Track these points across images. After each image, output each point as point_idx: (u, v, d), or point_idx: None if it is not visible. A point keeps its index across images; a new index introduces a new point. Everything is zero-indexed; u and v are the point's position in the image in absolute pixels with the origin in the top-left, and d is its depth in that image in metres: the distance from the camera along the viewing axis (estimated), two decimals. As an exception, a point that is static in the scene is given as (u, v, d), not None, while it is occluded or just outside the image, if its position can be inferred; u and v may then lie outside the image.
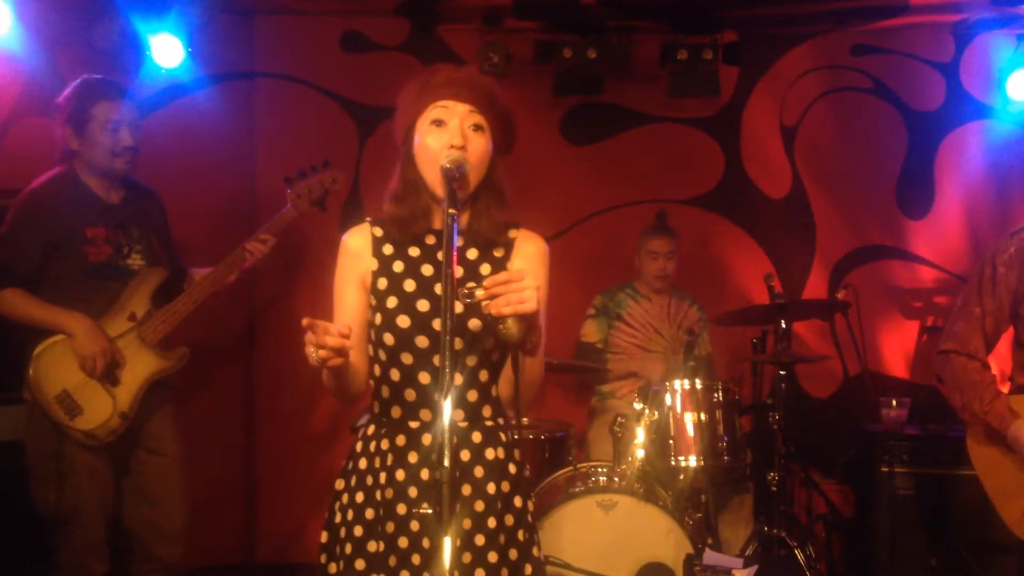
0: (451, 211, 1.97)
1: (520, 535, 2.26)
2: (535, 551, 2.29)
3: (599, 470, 4.04)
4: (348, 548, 2.22)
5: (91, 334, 3.49)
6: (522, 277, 1.90)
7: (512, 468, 2.28)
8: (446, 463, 1.82)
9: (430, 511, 1.84)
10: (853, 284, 5.05)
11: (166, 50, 4.72)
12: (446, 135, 2.18)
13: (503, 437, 2.29)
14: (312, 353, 1.97)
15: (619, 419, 4.06)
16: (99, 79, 3.71)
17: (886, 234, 5.56)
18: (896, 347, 5.50)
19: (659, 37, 5.30)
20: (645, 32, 5.35)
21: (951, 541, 4.29)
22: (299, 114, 5.32)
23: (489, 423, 2.28)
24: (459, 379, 2.21)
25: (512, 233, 2.31)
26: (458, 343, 2.17)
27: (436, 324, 2.19)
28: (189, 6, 4.73)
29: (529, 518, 2.30)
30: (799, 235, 5.59)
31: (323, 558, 2.29)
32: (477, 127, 2.19)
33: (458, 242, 2.23)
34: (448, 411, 1.84)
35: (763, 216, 5.60)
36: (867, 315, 5.08)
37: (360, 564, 2.19)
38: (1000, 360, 3.75)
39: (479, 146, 2.19)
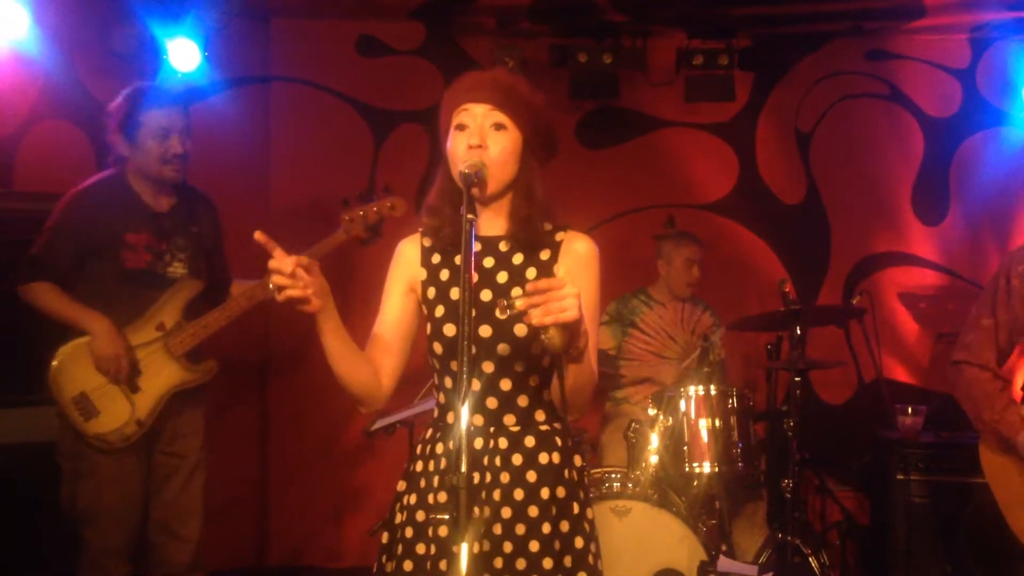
0: (469, 216, 1.96)
1: (576, 542, 2.23)
2: (591, 559, 2.25)
3: (613, 476, 4.03)
4: (399, 549, 2.22)
5: (109, 336, 3.48)
6: (562, 285, 1.83)
7: (568, 473, 2.25)
8: (463, 468, 1.81)
9: (447, 517, 1.83)
10: (868, 290, 5.02)
11: (183, 54, 4.74)
12: (467, 137, 2.18)
13: (559, 442, 2.26)
14: (269, 283, 1.96)
15: (633, 425, 4.05)
16: (152, 86, 3.72)
17: (901, 240, 5.54)
18: (911, 354, 5.48)
19: (674, 42, 5.30)
20: (660, 37, 5.35)
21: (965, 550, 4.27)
22: (315, 118, 5.34)
23: (544, 427, 2.25)
24: (508, 384, 2.20)
25: (559, 235, 2.28)
26: (505, 349, 2.17)
27: (482, 331, 2.18)
28: (206, 10, 4.75)
29: (587, 525, 2.27)
30: (814, 241, 5.58)
31: (383, 558, 2.28)
32: (498, 126, 2.17)
33: (503, 247, 2.25)
34: (465, 416, 1.83)
35: (778, 222, 5.59)
36: (882, 322, 5.06)
37: (408, 565, 2.19)
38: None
39: (500, 144, 2.17)
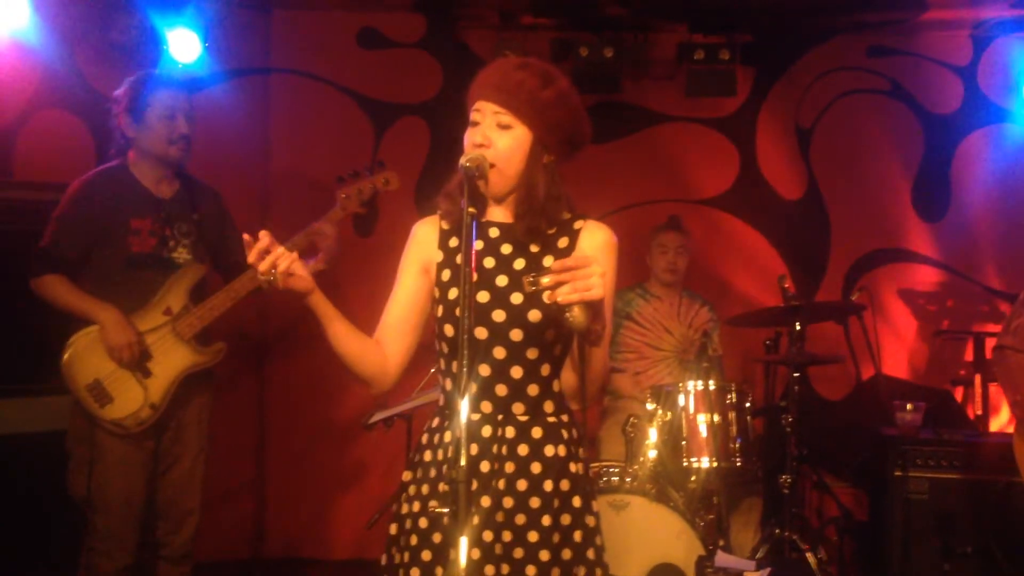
0: (470, 210, 1.96)
1: (576, 536, 2.22)
2: (591, 553, 2.24)
3: (611, 470, 4.02)
4: (414, 539, 2.21)
5: (118, 326, 3.52)
6: (588, 263, 1.86)
7: (573, 467, 2.25)
8: (463, 462, 1.81)
9: (445, 510, 1.82)
10: (868, 286, 5.02)
11: (183, 44, 4.74)
12: (473, 135, 2.20)
13: (565, 435, 2.26)
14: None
15: (632, 419, 4.05)
16: (157, 71, 3.84)
17: (902, 237, 5.54)
18: (910, 350, 5.48)
19: (676, 37, 5.30)
20: (662, 31, 5.34)
21: (964, 546, 4.27)
22: (314, 110, 5.33)
23: (551, 419, 2.25)
24: (519, 372, 2.20)
25: (578, 223, 2.29)
26: (518, 335, 2.17)
27: (495, 316, 2.18)
28: (206, 0, 4.74)
29: (590, 519, 2.26)
30: (814, 237, 5.57)
31: (392, 550, 2.27)
32: (503, 125, 2.18)
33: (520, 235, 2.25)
34: (466, 409, 1.84)
35: (778, 217, 5.58)
36: (881, 318, 5.06)
37: (427, 555, 2.18)
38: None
39: (503, 144, 2.17)
